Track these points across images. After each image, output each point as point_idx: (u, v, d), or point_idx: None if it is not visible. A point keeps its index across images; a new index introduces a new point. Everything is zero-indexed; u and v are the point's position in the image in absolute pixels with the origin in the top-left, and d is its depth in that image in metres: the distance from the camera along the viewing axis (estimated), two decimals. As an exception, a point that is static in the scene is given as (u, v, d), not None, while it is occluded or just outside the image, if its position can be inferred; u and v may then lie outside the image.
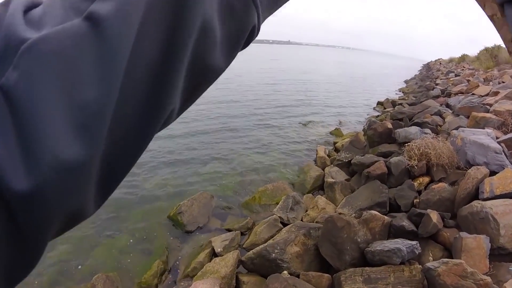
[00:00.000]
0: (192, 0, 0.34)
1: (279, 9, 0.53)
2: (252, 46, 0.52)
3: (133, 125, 0.34)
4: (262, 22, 0.47)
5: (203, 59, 0.39)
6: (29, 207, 0.27)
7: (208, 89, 0.46)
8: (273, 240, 4.70)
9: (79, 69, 0.29)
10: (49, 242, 0.33)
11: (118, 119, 0.32)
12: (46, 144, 0.27)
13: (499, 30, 0.62)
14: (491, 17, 0.63)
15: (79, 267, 4.84)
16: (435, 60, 65.53)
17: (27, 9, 0.31)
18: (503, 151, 5.36)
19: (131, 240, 5.47)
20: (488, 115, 7.69)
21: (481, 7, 0.64)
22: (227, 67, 0.45)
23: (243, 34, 0.44)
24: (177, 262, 5.04)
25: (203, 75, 0.41)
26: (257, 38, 0.51)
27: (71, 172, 0.28)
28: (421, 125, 8.67)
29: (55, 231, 0.33)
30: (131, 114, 0.33)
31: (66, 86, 0.28)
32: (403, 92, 24.35)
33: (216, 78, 0.45)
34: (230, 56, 0.44)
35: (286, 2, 0.52)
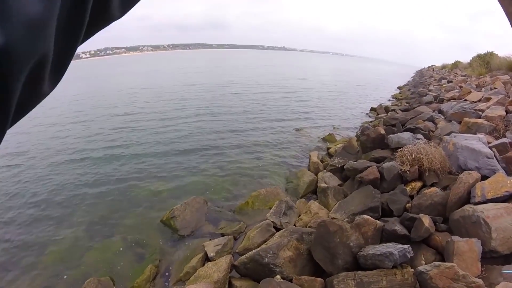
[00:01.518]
0: None
1: None
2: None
3: None
4: None
5: None
6: (2, 60, 0.30)
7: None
8: (266, 244, 4.69)
9: None
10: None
11: None
12: (17, 4, 0.30)
13: None
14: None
15: (72, 271, 4.82)
16: (428, 67, 66.05)
17: None
18: (495, 156, 5.40)
19: (124, 244, 5.44)
20: (480, 120, 7.76)
21: (502, 5, 0.64)
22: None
23: None
24: (170, 267, 5.01)
25: None
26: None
27: (36, 26, 0.32)
28: (413, 130, 8.71)
29: (18, 98, 0.35)
30: None
31: None
32: (396, 98, 24.47)
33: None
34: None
35: None
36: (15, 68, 0.32)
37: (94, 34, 0.45)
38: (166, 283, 4.69)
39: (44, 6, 0.33)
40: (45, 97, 0.42)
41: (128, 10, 0.51)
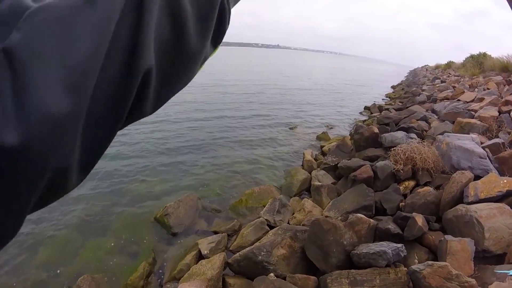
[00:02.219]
0: None
1: None
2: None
3: (113, 84, 0.36)
4: (233, 5, 0.52)
5: (173, 22, 0.42)
6: (16, 161, 0.28)
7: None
8: (259, 242, 4.69)
9: (73, 34, 0.32)
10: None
11: (102, 78, 0.34)
12: (37, 98, 0.29)
13: None
14: None
15: (64, 268, 4.78)
16: (422, 67, 66.40)
17: None
18: (488, 156, 5.44)
19: (117, 242, 5.41)
20: (473, 120, 7.81)
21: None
22: (203, 48, 0.48)
23: (213, 11, 0.47)
24: (163, 264, 4.99)
25: (177, 48, 0.44)
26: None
27: (58, 126, 0.30)
28: (407, 130, 8.75)
29: (38, 195, 0.33)
30: (112, 75, 0.36)
31: (61, 47, 0.31)
32: (389, 98, 24.57)
33: (194, 58, 0.48)
34: (204, 33, 0.47)
35: None
36: (23, 175, 0.30)
37: (121, 129, 0.44)
38: (160, 281, 4.67)
39: (70, 104, 0.31)
40: (74, 188, 0.40)
41: (158, 108, 0.50)
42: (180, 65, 0.46)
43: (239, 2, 0.58)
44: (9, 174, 0.28)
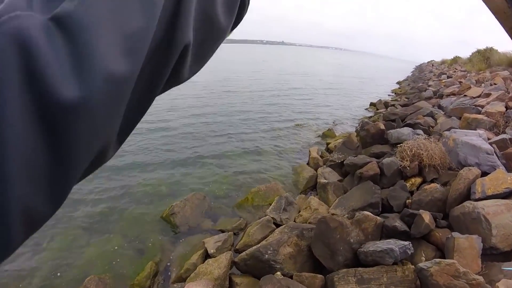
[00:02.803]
0: None
1: None
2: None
3: (159, 53, 0.40)
4: None
5: (207, 4, 0.46)
6: (76, 118, 0.29)
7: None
8: (266, 241, 4.68)
9: (128, 4, 0.34)
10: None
11: (151, 47, 0.37)
12: (99, 58, 0.30)
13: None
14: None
15: (70, 269, 4.80)
16: (428, 62, 65.96)
17: None
18: (495, 152, 5.40)
19: (124, 241, 5.43)
20: (480, 116, 7.75)
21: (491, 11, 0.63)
22: (229, 28, 0.52)
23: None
24: (170, 264, 5.00)
25: (209, 26, 0.47)
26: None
27: (117, 84, 0.32)
28: (413, 126, 8.72)
29: (90, 161, 0.35)
30: (158, 45, 0.39)
31: (117, 16, 0.33)
32: (395, 93, 24.47)
33: (220, 37, 0.52)
34: (230, 15, 0.51)
35: None
36: (91, 128, 0.31)
37: (159, 94, 0.46)
38: (167, 280, 4.68)
39: (129, 65, 0.33)
40: (109, 159, 0.41)
41: (195, 74, 0.53)
42: (209, 42, 0.50)
43: None
44: (69, 133, 0.29)
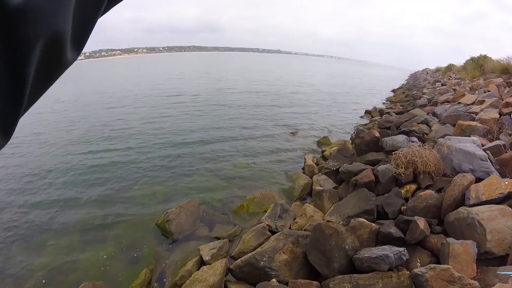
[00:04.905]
0: None
1: None
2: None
3: None
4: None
5: None
6: (21, 21, 0.32)
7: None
8: (261, 248, 4.68)
9: None
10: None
11: None
12: None
13: None
14: None
15: (65, 276, 4.77)
16: (422, 70, 66.40)
17: None
18: (489, 158, 5.43)
19: (118, 248, 5.41)
20: (473, 123, 7.80)
21: None
22: None
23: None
24: (165, 271, 4.98)
25: None
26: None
27: None
28: (408, 133, 8.76)
29: (37, 62, 0.36)
30: None
31: None
32: (390, 101, 24.55)
33: None
34: None
35: None
36: (32, 31, 0.33)
37: (113, 7, 0.47)
38: (161, 287, 4.66)
39: None
40: (70, 64, 0.43)
41: None
42: None
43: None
44: (13, 35, 0.32)
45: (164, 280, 4.81)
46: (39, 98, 0.40)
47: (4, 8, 0.30)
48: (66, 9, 0.36)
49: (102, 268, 4.94)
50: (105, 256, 5.20)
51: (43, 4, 0.33)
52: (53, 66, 0.39)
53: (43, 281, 4.66)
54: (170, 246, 5.55)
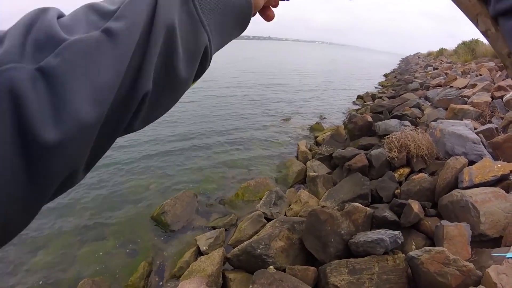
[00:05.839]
0: (160, 12, 0.47)
1: (229, 41, 0.65)
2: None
3: (120, 102, 0.44)
4: (214, 52, 0.61)
5: (168, 59, 0.50)
6: (51, 156, 0.36)
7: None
8: (257, 236, 4.70)
9: (99, 63, 0.40)
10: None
11: (116, 97, 0.43)
12: (73, 107, 0.36)
13: (494, 45, 0.63)
14: (485, 33, 0.63)
15: (64, 273, 4.75)
16: (414, 54, 66.41)
17: (58, 17, 0.43)
18: (481, 141, 5.46)
19: (116, 243, 5.40)
20: (466, 106, 7.84)
21: (474, 24, 0.65)
22: (190, 79, 0.57)
23: (199, 50, 0.55)
24: (163, 263, 4.99)
25: (168, 77, 0.52)
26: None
27: (86, 129, 0.38)
28: (400, 117, 8.78)
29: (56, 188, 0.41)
30: (121, 95, 0.44)
31: (90, 72, 0.39)
32: (382, 86, 24.57)
33: (180, 87, 0.56)
34: (190, 68, 0.55)
35: (235, 35, 0.65)
36: (62, 164, 0.38)
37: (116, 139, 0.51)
38: (160, 280, 4.66)
39: (96, 113, 0.39)
40: (79, 181, 0.48)
41: (151, 122, 0.59)
42: (168, 91, 0.54)
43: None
44: (44, 166, 0.36)
45: (163, 272, 4.81)
46: None
47: (36, 140, 0.34)
48: (88, 150, 0.42)
49: (101, 264, 4.93)
50: (103, 252, 5.19)
51: (75, 139, 0.37)
52: (63, 189, 0.44)
53: (42, 278, 4.64)
54: (167, 237, 5.55)
